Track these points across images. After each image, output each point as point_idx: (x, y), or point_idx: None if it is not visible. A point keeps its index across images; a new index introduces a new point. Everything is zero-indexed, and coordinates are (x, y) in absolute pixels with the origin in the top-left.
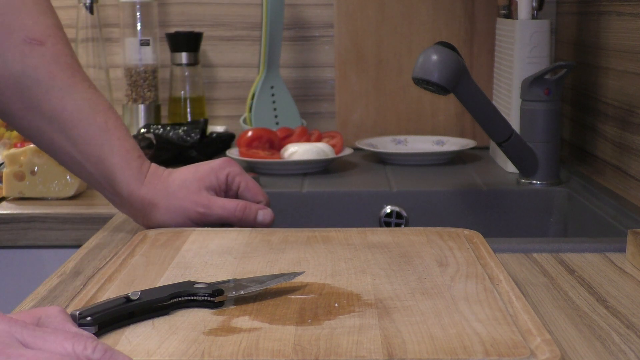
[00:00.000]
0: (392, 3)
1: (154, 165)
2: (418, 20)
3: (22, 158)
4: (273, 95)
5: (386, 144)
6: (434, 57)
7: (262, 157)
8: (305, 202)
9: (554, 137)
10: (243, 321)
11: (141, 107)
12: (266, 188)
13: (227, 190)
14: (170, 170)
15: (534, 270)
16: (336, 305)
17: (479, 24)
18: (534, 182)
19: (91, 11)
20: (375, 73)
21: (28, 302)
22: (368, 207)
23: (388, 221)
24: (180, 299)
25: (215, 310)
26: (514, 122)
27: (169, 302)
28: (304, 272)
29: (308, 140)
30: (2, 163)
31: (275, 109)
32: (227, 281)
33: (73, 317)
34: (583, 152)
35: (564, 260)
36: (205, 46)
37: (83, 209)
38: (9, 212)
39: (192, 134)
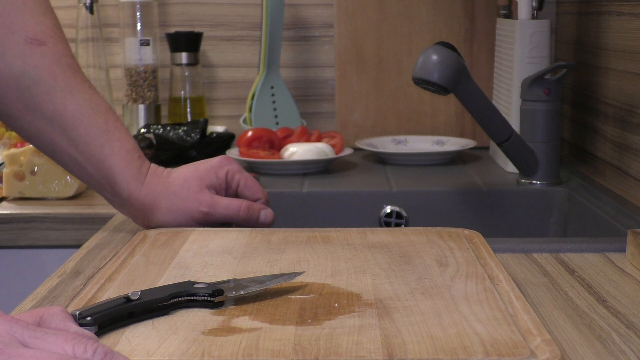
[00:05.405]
0: (392, 3)
1: (153, 165)
2: (418, 20)
3: (22, 158)
4: (273, 95)
5: (386, 144)
6: (434, 57)
7: (262, 157)
8: (305, 202)
9: (554, 137)
10: (243, 321)
11: (141, 107)
12: (266, 188)
13: (226, 188)
14: (169, 170)
15: (534, 270)
16: (336, 305)
17: (479, 24)
18: (534, 182)
19: (91, 11)
20: (375, 73)
21: (28, 302)
22: (368, 207)
23: (388, 221)
24: (180, 299)
25: (215, 310)
26: (514, 122)
27: (169, 302)
28: (304, 272)
29: (308, 140)
30: (2, 163)
31: (275, 109)
32: (227, 281)
33: (73, 317)
34: (583, 152)
35: (564, 260)
36: (205, 46)
37: (83, 209)
38: (9, 212)
39: (192, 134)
